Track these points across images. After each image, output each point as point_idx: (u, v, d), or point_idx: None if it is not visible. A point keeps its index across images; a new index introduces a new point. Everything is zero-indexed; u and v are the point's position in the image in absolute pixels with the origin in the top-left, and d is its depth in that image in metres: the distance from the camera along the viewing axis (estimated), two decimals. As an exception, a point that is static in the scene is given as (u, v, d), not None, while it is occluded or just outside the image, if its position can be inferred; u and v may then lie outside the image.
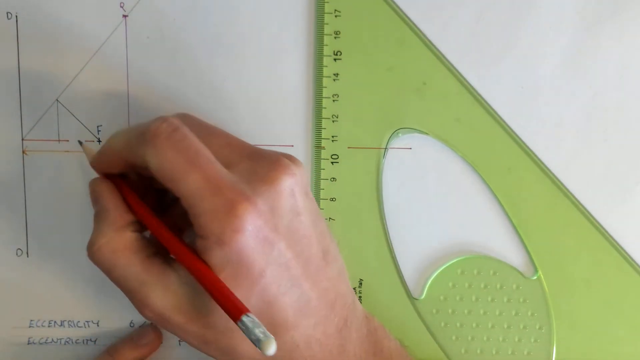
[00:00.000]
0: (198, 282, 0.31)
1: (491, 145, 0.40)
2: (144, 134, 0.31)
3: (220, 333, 0.33)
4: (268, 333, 0.29)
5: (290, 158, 0.34)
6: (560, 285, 0.41)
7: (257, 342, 0.29)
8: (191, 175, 0.30)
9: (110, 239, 0.33)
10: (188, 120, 0.34)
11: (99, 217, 0.34)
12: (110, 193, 0.34)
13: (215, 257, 0.31)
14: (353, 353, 0.36)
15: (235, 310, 0.30)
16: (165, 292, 0.33)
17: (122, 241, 0.33)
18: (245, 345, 0.33)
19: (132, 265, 0.33)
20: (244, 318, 0.29)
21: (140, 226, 0.34)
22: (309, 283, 0.33)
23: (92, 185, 0.35)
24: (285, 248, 0.32)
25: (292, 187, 0.32)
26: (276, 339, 0.31)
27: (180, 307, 0.33)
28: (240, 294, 0.31)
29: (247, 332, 0.29)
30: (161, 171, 0.31)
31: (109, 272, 0.33)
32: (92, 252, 0.33)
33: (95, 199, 0.34)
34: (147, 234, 0.35)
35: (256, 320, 0.29)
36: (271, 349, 0.28)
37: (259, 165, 0.32)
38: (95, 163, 0.35)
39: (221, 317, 0.31)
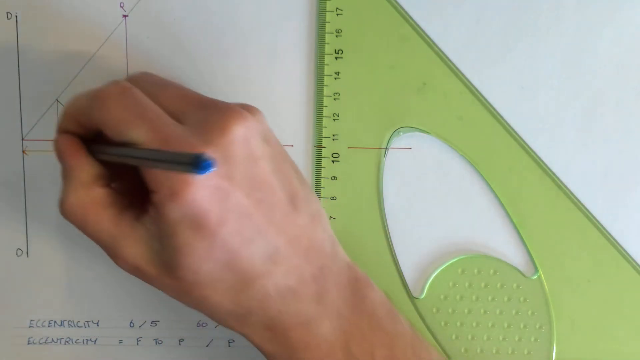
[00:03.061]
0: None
1: (492, 145, 0.41)
2: (95, 98, 0.32)
3: (189, 285, 0.33)
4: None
5: (245, 107, 0.34)
6: (560, 285, 0.41)
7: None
8: (139, 130, 0.31)
9: (78, 196, 0.33)
10: (143, 78, 0.35)
11: (65, 175, 0.34)
12: (73, 149, 0.34)
13: (170, 211, 0.31)
14: (330, 303, 0.35)
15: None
16: (136, 246, 0.33)
17: (90, 198, 0.33)
18: (217, 297, 0.33)
19: (103, 222, 0.33)
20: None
21: (108, 179, 0.34)
22: (275, 231, 0.33)
23: (55, 143, 0.35)
24: (243, 196, 0.32)
25: (245, 134, 0.32)
26: (246, 289, 0.32)
27: (151, 259, 0.33)
28: (203, 245, 0.31)
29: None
30: (111, 129, 0.32)
31: (82, 228, 0.34)
32: (63, 210, 0.33)
33: (59, 157, 0.34)
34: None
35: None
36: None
37: (211, 115, 0.32)
38: (59, 127, 0.35)
39: (188, 269, 0.32)
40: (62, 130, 0.35)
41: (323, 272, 0.35)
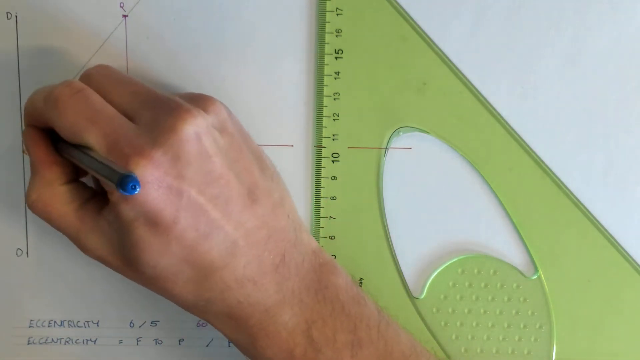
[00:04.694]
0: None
1: (492, 145, 0.40)
2: (47, 100, 0.33)
3: (149, 278, 0.34)
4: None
5: (199, 100, 0.34)
6: (560, 285, 0.41)
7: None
8: (89, 134, 0.32)
9: (41, 193, 0.34)
10: (99, 72, 0.35)
11: (31, 169, 0.35)
12: (38, 145, 0.35)
13: (124, 211, 0.32)
14: (291, 290, 0.36)
15: None
16: (98, 239, 0.34)
17: (52, 195, 0.35)
18: (177, 288, 0.34)
19: (65, 216, 0.35)
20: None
21: (71, 175, 0.35)
22: (232, 224, 0.34)
23: (23, 136, 0.36)
24: (197, 194, 0.32)
25: (196, 132, 0.32)
26: (205, 282, 0.33)
27: (113, 252, 0.34)
28: (158, 242, 0.32)
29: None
30: (64, 132, 0.33)
31: (48, 222, 0.35)
32: (28, 205, 0.35)
33: (27, 150, 0.36)
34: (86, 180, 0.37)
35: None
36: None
37: (161, 114, 0.33)
38: (24, 121, 0.36)
39: (146, 264, 0.33)
40: (28, 125, 0.36)
41: (284, 260, 0.36)
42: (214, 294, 0.34)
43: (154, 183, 0.31)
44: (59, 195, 0.35)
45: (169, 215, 0.32)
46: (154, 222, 0.32)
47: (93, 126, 0.32)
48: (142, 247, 0.32)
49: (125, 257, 0.34)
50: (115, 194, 0.32)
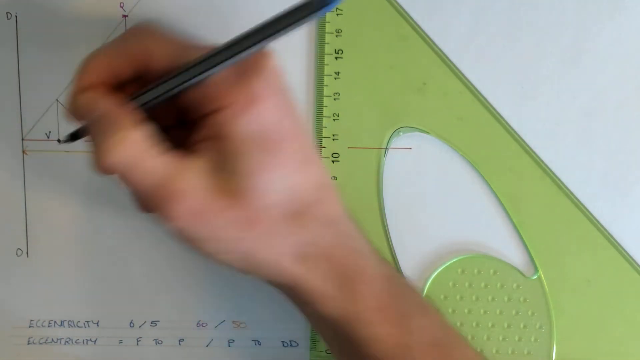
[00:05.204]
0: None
1: (492, 145, 0.41)
2: (137, 30, 0.33)
3: (254, 212, 0.31)
4: None
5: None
6: (560, 285, 0.41)
7: None
8: (195, 50, 0.31)
9: (123, 137, 0.30)
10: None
11: (102, 124, 0.31)
12: (107, 97, 0.31)
13: (244, 124, 0.30)
14: (366, 240, 0.36)
15: None
16: (196, 180, 0.31)
17: (138, 138, 0.30)
18: (277, 225, 0.32)
19: (155, 161, 0.30)
20: None
21: (150, 127, 0.32)
22: (319, 161, 0.34)
23: (83, 98, 0.32)
24: (294, 116, 0.33)
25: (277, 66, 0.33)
26: (301, 218, 0.33)
27: (213, 191, 0.31)
28: (271, 162, 0.31)
29: None
30: (167, 57, 0.32)
31: (130, 173, 0.30)
32: (108, 162, 0.30)
33: (91, 109, 0.31)
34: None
35: None
36: None
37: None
38: (78, 86, 0.32)
39: (256, 191, 0.31)
40: (82, 89, 0.32)
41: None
42: (309, 233, 0.33)
43: (270, 95, 0.31)
44: (145, 138, 0.30)
45: (285, 131, 0.32)
46: (268, 137, 0.31)
47: (189, 40, 0.32)
48: (257, 169, 0.31)
49: (230, 192, 0.31)
50: (237, 105, 0.30)
